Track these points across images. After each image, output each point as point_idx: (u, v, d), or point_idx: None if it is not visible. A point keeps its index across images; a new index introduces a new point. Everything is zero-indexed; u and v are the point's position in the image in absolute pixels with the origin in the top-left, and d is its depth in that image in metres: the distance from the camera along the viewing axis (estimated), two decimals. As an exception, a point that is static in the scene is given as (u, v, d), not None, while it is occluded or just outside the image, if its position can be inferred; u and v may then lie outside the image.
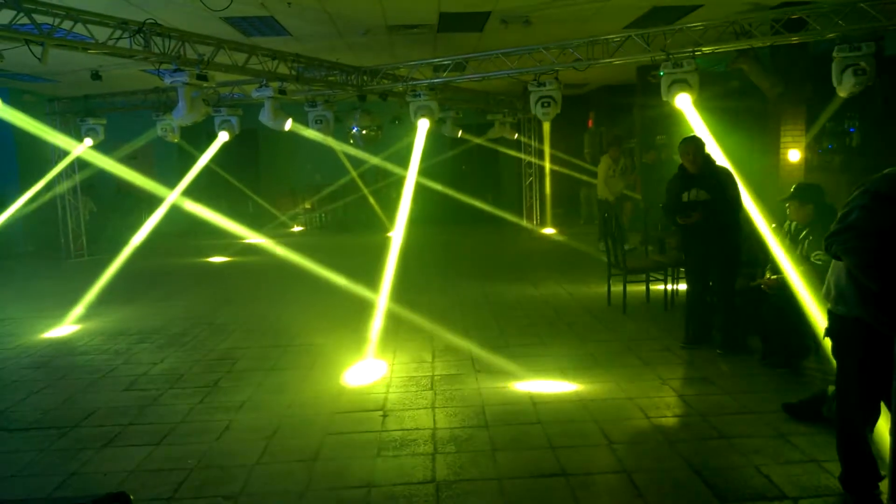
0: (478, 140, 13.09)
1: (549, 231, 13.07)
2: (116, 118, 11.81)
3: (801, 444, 3.47)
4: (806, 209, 4.54)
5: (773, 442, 3.53)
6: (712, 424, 3.76)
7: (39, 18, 5.18)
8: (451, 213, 14.40)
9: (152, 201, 14.65)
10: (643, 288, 6.74)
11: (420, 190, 11.45)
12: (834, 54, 6.33)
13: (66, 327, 6.62)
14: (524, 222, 14.30)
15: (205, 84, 6.30)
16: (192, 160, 11.21)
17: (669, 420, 3.85)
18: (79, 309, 7.47)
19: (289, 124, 7.70)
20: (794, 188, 4.66)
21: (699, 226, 4.98)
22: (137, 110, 11.17)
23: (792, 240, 4.71)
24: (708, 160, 5.12)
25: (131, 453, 3.65)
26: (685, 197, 5.06)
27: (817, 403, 3.72)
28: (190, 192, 11.39)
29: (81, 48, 5.61)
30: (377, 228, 13.73)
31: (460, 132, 11.40)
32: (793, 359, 4.58)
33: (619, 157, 10.21)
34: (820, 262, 4.39)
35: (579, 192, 14.79)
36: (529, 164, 14.37)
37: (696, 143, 5.08)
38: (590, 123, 16.10)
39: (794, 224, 4.73)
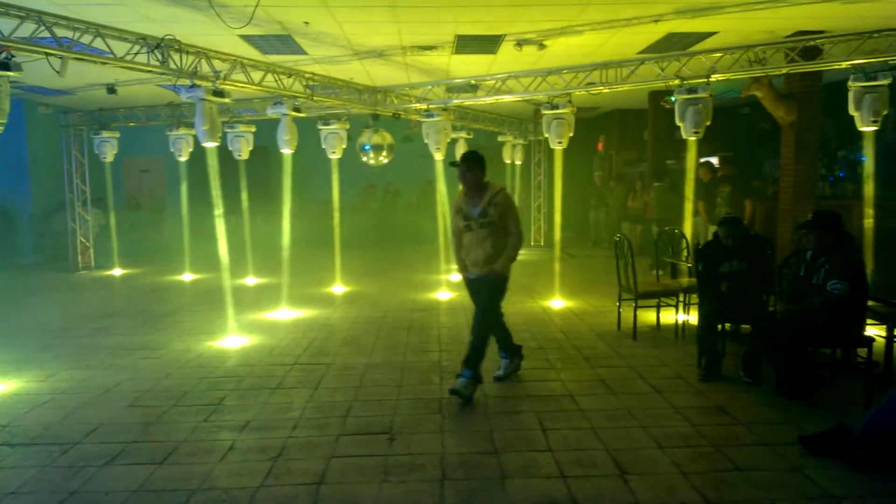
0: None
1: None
2: (130, 132, 11.92)
3: (818, 479, 3.37)
4: (826, 237, 4.49)
5: (790, 476, 3.43)
6: (727, 456, 3.67)
7: (60, 32, 5.24)
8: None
9: (163, 215, 14.80)
10: (653, 313, 6.67)
11: (428, 208, 11.48)
12: (849, 84, 6.33)
13: (68, 340, 6.60)
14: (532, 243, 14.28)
15: (221, 100, 6.35)
16: (205, 175, 11.26)
17: (683, 450, 3.75)
18: (81, 322, 7.48)
19: (288, 150, 7.68)
20: (814, 216, 4.61)
21: (736, 294, 5.11)
22: (151, 125, 11.28)
23: (808, 267, 4.64)
24: (745, 234, 5.33)
25: (133, 472, 3.58)
26: (725, 268, 5.20)
27: (835, 437, 3.62)
28: (202, 207, 11.41)
29: (100, 62, 5.67)
30: (382, 245, 13.76)
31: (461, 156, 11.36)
32: (807, 390, 4.48)
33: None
34: (837, 291, 4.33)
35: (588, 214, 14.77)
36: (539, 185, 14.41)
37: (737, 228, 5.25)
38: (600, 146, 16.13)
39: (809, 252, 4.67)
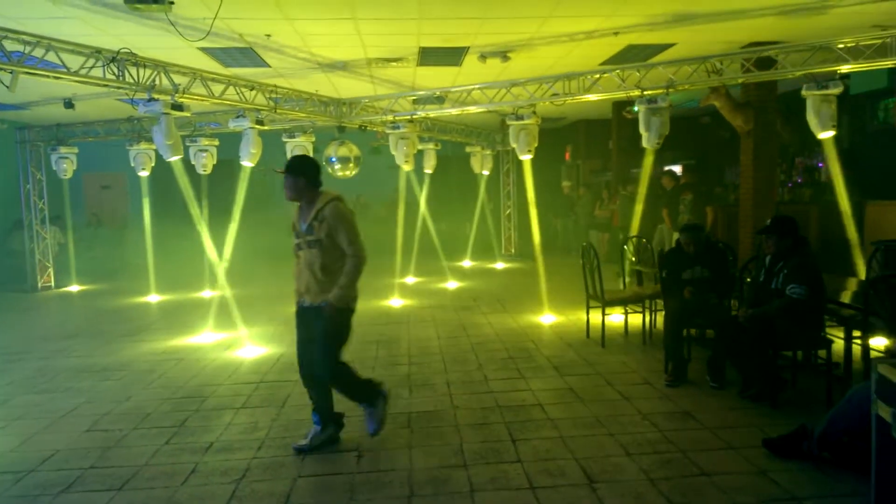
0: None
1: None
2: (89, 147, 11.65)
3: (782, 482, 3.42)
4: (785, 242, 4.59)
5: (754, 479, 3.47)
6: (693, 461, 3.70)
7: (10, 46, 5.10)
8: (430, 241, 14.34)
9: (126, 232, 14.46)
10: (621, 320, 6.74)
11: (399, 220, 11.44)
12: (803, 93, 6.52)
13: (24, 364, 6.37)
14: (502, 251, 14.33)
15: (180, 114, 6.24)
16: (168, 190, 11.05)
17: (651, 457, 3.77)
18: (39, 344, 7.24)
19: (248, 163, 7.55)
20: (772, 222, 4.71)
21: (699, 300, 5.20)
22: (111, 140, 11.04)
23: (767, 272, 4.74)
24: (707, 241, 5.46)
25: (91, 499, 3.46)
26: (687, 274, 5.30)
27: (798, 439, 3.69)
28: (164, 223, 11.20)
29: (53, 77, 5.52)
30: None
31: (432, 168, 11.20)
32: (771, 392, 4.55)
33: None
34: (796, 295, 4.42)
35: (556, 223, 14.90)
36: (508, 194, 14.49)
37: (697, 234, 5.38)
38: (567, 156, 16.34)
39: (769, 257, 4.77)
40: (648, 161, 7.32)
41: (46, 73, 5.43)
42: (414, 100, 9.16)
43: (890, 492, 2.59)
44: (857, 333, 4.85)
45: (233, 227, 7.88)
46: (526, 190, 11.12)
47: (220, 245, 10.29)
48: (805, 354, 5.20)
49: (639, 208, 7.79)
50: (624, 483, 3.46)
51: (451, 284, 10.73)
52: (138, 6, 5.10)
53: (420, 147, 10.71)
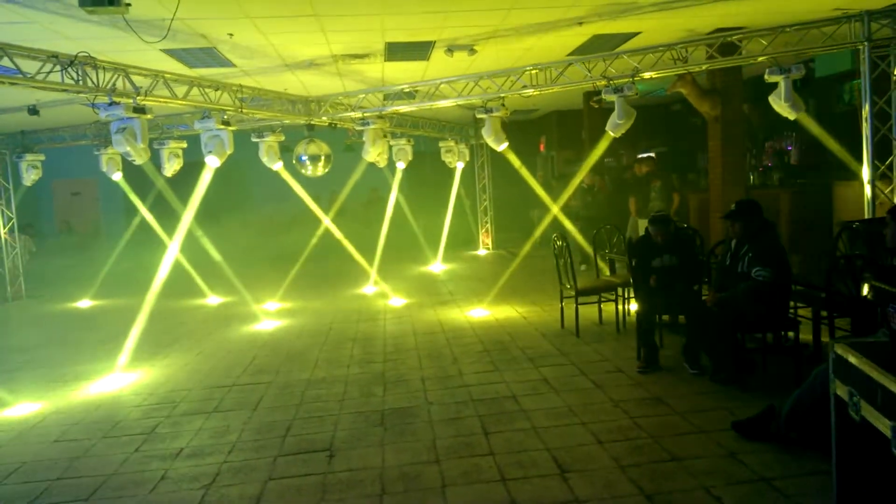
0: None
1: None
2: (58, 153, 11.42)
3: (751, 463, 3.46)
4: (752, 225, 4.65)
5: (724, 462, 3.51)
6: (664, 446, 3.73)
7: (-40, 53, 4.97)
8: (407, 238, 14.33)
9: (99, 238, 14.23)
10: (596, 309, 6.77)
11: (375, 217, 11.41)
12: (765, 78, 6.58)
13: (-5, 375, 6.25)
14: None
15: (143, 116, 6.12)
16: (139, 195, 10.87)
17: (622, 444, 3.80)
18: (9, 355, 7.10)
19: (215, 162, 7.40)
20: (737, 206, 4.76)
21: (669, 287, 5.25)
22: (79, 145, 10.83)
23: (733, 256, 4.79)
24: (675, 229, 5.51)
25: (56, 511, 3.40)
26: (657, 262, 5.34)
27: (765, 420, 3.73)
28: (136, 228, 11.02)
29: (9, 83, 5.39)
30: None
31: (406, 163, 11.08)
32: (740, 375, 4.61)
33: None
34: (761, 277, 4.47)
35: (532, 215, 14.90)
36: (484, 188, 14.49)
37: (665, 227, 5.40)
38: (541, 147, 16.36)
39: (735, 241, 4.82)
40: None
41: (2, 80, 5.30)
42: (385, 95, 9.11)
43: (849, 468, 2.63)
44: (824, 314, 4.92)
45: (218, 230, 7.77)
46: (501, 183, 11.18)
47: (195, 248, 10.18)
48: (775, 336, 5.28)
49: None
50: (595, 471, 3.48)
51: (428, 279, 10.72)
52: (95, 9, 4.98)
53: (393, 143, 10.66)
